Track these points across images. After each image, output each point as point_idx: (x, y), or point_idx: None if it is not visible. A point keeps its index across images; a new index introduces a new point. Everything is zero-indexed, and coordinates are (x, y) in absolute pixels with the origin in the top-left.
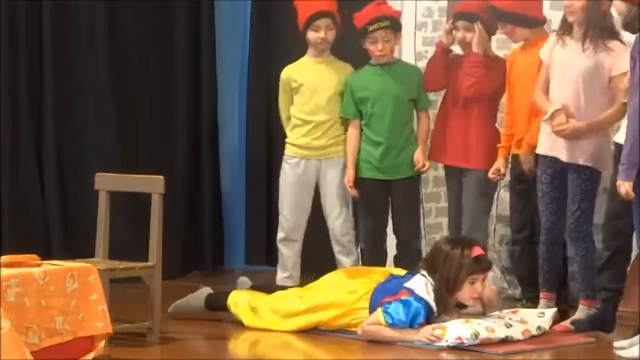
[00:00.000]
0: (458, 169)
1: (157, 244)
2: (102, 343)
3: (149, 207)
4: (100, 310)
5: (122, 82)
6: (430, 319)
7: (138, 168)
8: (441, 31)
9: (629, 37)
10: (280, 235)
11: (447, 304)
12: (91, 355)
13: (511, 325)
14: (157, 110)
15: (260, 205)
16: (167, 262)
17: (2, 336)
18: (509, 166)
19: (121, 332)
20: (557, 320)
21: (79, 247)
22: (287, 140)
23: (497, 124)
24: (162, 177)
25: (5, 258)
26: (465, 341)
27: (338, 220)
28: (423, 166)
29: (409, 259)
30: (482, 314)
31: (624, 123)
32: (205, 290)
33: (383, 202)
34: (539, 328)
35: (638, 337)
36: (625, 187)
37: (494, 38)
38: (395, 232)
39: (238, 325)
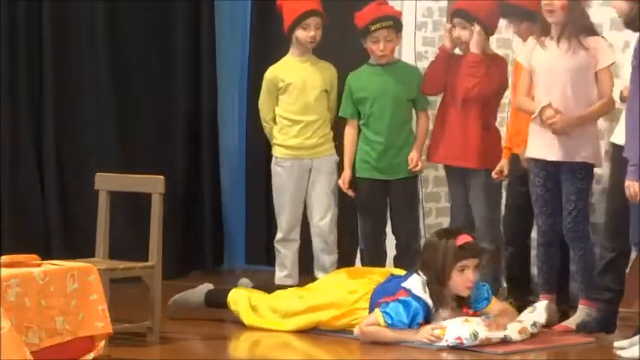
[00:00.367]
0: (460, 169)
1: (157, 244)
2: (102, 343)
3: (149, 207)
4: (100, 310)
5: (122, 82)
6: (429, 317)
7: (138, 168)
8: (442, 30)
9: (628, 35)
10: (278, 235)
11: (442, 298)
12: (91, 355)
13: (507, 327)
14: (157, 110)
15: (260, 205)
16: (167, 262)
17: (2, 336)
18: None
19: (121, 332)
20: (557, 320)
21: (79, 247)
22: (275, 142)
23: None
24: (162, 177)
25: (5, 258)
26: (464, 341)
27: (326, 219)
28: (416, 165)
29: (408, 260)
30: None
31: (621, 123)
32: (205, 286)
33: (381, 203)
34: (534, 324)
35: (638, 337)
36: (635, 187)
37: (493, 38)
38: (394, 232)
39: (238, 325)
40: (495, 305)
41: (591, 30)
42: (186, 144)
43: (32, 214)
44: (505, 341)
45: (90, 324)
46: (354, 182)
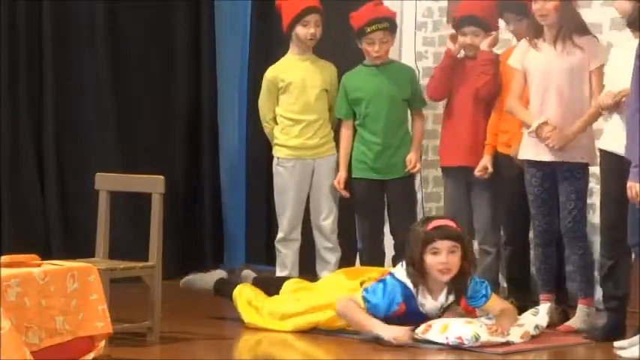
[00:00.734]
0: (462, 169)
1: (157, 244)
2: (102, 343)
3: (149, 207)
4: (100, 309)
5: (122, 82)
6: (410, 302)
7: (138, 168)
8: (442, 30)
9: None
10: (279, 235)
11: (424, 283)
12: (91, 355)
13: (509, 333)
14: (157, 110)
15: (260, 205)
16: (167, 262)
17: (2, 336)
18: (499, 167)
19: (121, 332)
20: (558, 321)
21: (79, 247)
22: (277, 142)
23: None
24: (162, 177)
25: (5, 258)
26: (465, 342)
27: (329, 219)
28: (414, 167)
29: None
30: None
31: (609, 128)
32: (219, 273)
33: (379, 203)
34: (536, 327)
35: (638, 337)
36: (636, 188)
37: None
38: (392, 232)
39: (238, 325)
40: (495, 303)
41: (584, 29)
42: (186, 144)
43: (32, 214)
44: (506, 344)
45: (90, 324)
46: (349, 182)
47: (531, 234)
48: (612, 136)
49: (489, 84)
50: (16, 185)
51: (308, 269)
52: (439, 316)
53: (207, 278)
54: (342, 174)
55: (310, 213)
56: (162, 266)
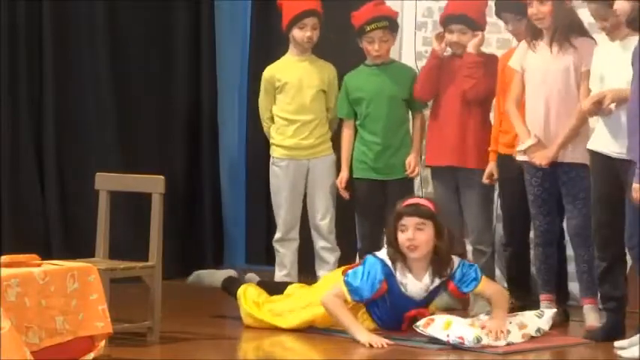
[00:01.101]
0: (451, 170)
1: (157, 244)
2: (102, 343)
3: (149, 207)
4: (100, 309)
5: (122, 82)
6: (391, 281)
7: (138, 168)
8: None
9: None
10: (277, 235)
11: (402, 261)
12: (91, 354)
13: (510, 331)
14: (157, 110)
15: (260, 205)
16: (167, 262)
17: (2, 336)
18: (499, 167)
19: (121, 332)
20: (558, 321)
21: (79, 247)
22: (273, 142)
23: None
24: (162, 177)
25: (5, 258)
26: (466, 342)
27: (326, 219)
28: (413, 171)
29: None
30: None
31: (598, 129)
32: (228, 272)
33: (379, 203)
34: (538, 330)
35: (638, 336)
36: None
37: (494, 38)
38: None
39: (238, 325)
40: (486, 286)
41: (581, 29)
42: (186, 144)
43: (32, 214)
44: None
45: (90, 324)
46: (350, 182)
47: (531, 234)
48: (600, 137)
49: (476, 87)
50: (16, 185)
51: (307, 269)
52: (426, 303)
53: (217, 275)
54: (344, 174)
55: (308, 213)
56: (163, 266)
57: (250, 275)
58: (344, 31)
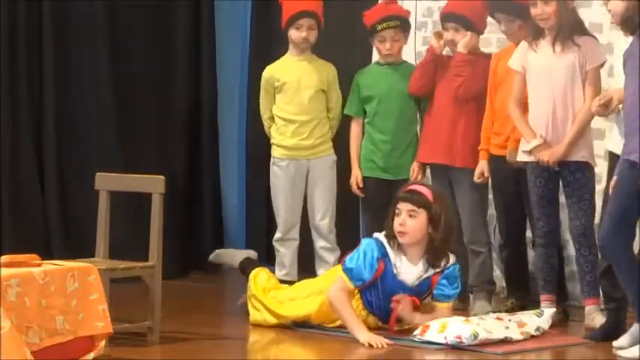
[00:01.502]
0: (443, 168)
1: (157, 244)
2: (102, 343)
3: (149, 207)
4: (101, 309)
5: (122, 82)
6: (386, 262)
7: (138, 168)
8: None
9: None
10: (277, 235)
11: (395, 240)
12: (92, 354)
13: (508, 327)
14: (156, 110)
15: (260, 205)
16: (167, 262)
17: (2, 336)
18: (492, 169)
19: (121, 332)
20: (558, 321)
21: (79, 247)
22: (273, 142)
23: None
24: (162, 177)
25: (5, 258)
26: (464, 340)
27: (325, 219)
28: (417, 177)
29: None
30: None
31: (615, 130)
32: (248, 252)
33: (386, 202)
34: (537, 328)
35: (637, 336)
36: None
37: (494, 38)
38: None
39: (239, 325)
40: (446, 310)
41: (582, 28)
42: (186, 144)
43: (32, 214)
44: (505, 341)
45: (90, 324)
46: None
47: (528, 233)
48: (618, 139)
49: (464, 85)
50: (16, 185)
51: (307, 269)
52: (416, 293)
53: (237, 256)
54: (357, 172)
55: (308, 213)
56: (163, 266)
57: (249, 251)
58: (350, 31)
